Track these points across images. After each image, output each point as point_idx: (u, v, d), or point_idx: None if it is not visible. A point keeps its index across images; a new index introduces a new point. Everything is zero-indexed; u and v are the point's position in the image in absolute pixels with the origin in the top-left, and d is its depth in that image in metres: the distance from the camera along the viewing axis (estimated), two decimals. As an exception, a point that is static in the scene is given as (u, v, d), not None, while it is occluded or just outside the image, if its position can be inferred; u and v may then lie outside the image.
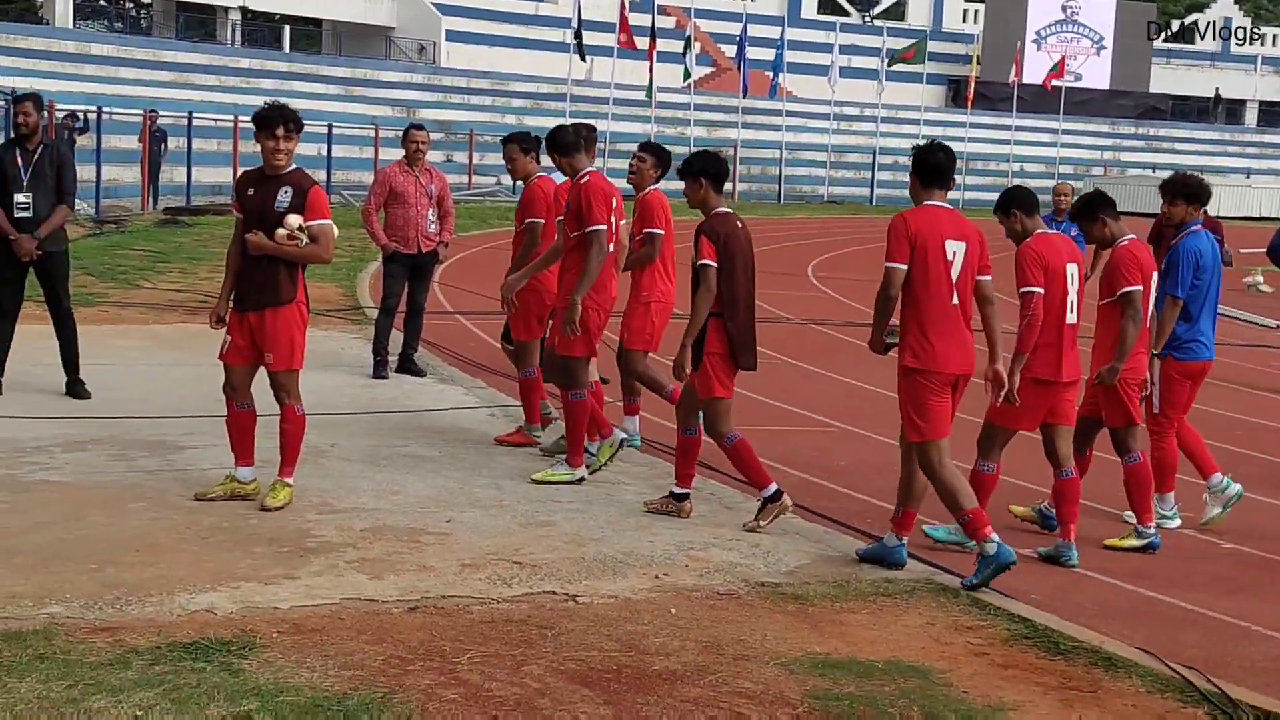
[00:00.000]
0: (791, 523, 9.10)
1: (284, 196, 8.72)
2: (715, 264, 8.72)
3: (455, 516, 8.75)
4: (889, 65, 64.22)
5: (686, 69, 56.94)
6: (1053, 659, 6.88)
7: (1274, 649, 7.48)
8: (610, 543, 8.36)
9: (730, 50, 66.49)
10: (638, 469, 10.34)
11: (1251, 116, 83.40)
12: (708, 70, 68.12)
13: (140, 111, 36.44)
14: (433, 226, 13.73)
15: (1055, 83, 68.93)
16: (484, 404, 12.55)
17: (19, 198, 11.51)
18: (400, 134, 14.48)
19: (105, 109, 34.65)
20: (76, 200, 12.46)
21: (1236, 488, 9.94)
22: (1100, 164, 73.00)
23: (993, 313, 8.27)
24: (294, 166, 8.86)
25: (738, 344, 8.83)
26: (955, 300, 8.07)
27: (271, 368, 8.83)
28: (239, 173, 9.45)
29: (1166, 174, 10.98)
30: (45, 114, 11.62)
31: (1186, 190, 10.03)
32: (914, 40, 65.96)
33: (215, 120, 40.14)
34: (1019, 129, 69.98)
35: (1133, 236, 9.41)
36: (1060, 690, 6.50)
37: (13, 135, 12.04)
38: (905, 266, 7.99)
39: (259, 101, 10.14)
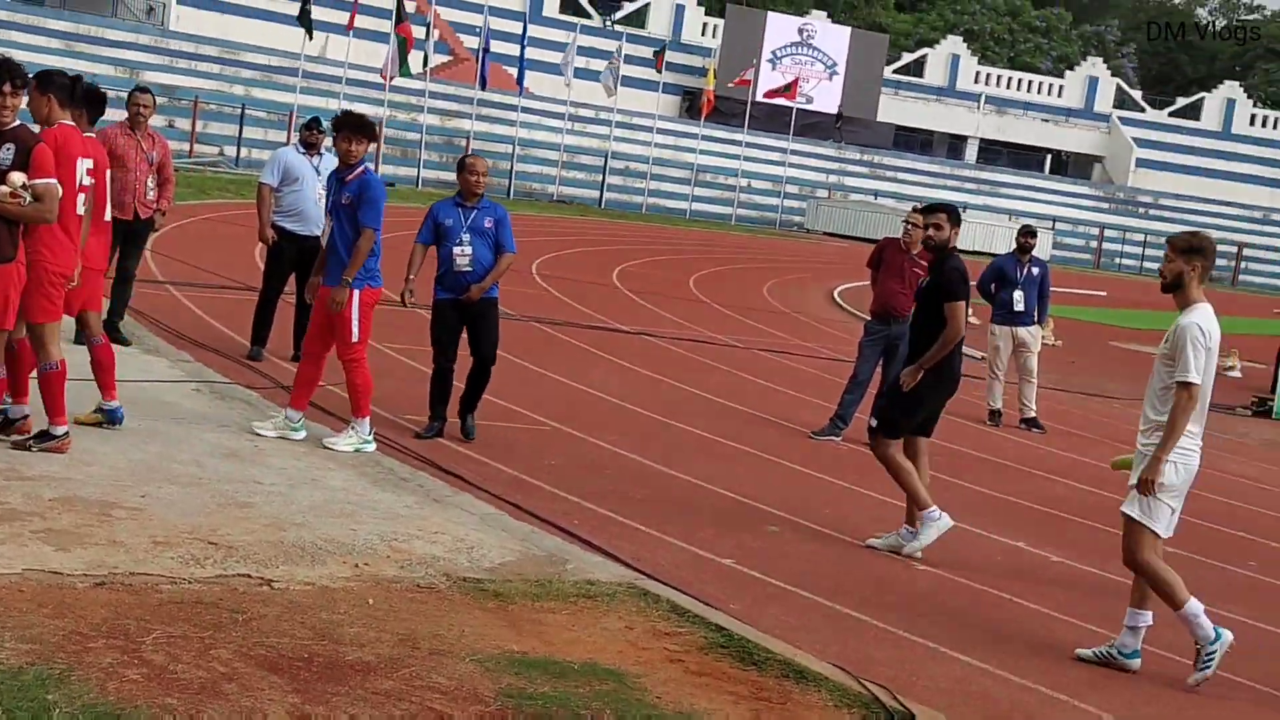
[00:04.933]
0: (499, 520, 9.06)
1: (6, 153, 8.51)
2: None
3: (151, 492, 8.46)
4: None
5: (425, 55, 56.61)
6: (746, 669, 6.95)
7: (958, 670, 7.71)
8: (311, 529, 8.18)
9: (469, 41, 66.12)
10: (347, 457, 10.17)
11: (972, 153, 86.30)
12: (445, 59, 67.60)
13: None
14: (151, 193, 13.40)
15: (787, 103, 70.42)
16: (189, 378, 12.21)
17: None
18: (124, 96, 14.05)
19: None
20: None
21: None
22: (825, 186, 74.70)
23: None
24: (18, 123, 8.63)
25: None
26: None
27: None
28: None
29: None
30: None
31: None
32: (656, 50, 67.06)
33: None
34: (750, 145, 71.20)
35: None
36: (751, 700, 6.56)
37: None
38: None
39: (-31, 51, 9.77)
